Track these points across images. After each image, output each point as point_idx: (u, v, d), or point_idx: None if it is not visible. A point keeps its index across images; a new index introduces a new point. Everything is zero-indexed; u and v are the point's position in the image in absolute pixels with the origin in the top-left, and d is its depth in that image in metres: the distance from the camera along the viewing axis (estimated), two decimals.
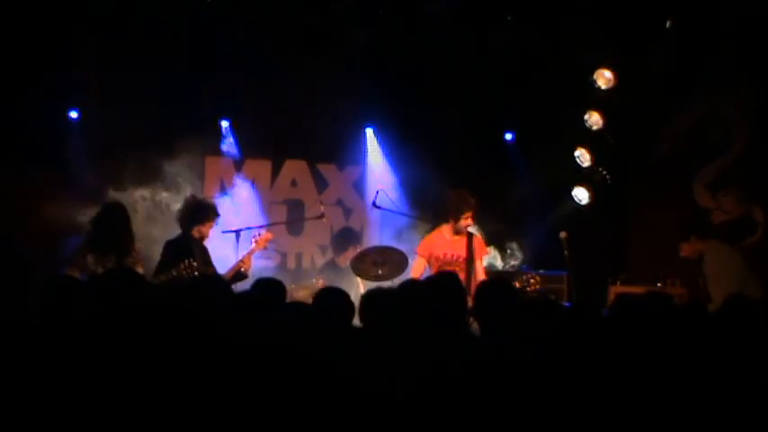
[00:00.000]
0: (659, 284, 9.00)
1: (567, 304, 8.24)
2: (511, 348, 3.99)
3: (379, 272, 8.46)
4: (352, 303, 4.45)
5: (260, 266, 8.43)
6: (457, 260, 7.71)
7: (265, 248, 8.30)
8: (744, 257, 8.12)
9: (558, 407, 3.65)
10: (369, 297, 4.48)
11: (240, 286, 7.50)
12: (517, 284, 7.59)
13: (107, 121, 9.34)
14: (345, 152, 10.60)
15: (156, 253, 7.82)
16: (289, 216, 10.48)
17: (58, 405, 3.59)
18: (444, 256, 7.75)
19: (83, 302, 4.37)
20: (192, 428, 3.58)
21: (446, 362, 3.80)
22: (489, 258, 8.90)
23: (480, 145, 10.48)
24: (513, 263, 9.78)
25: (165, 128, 9.33)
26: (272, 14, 9.10)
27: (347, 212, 10.70)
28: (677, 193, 9.87)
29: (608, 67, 9.38)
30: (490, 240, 8.87)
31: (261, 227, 8.99)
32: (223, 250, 8.36)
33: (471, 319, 4.69)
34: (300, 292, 8.41)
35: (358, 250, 9.24)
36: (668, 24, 8.94)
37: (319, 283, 8.60)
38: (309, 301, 5.64)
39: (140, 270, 7.05)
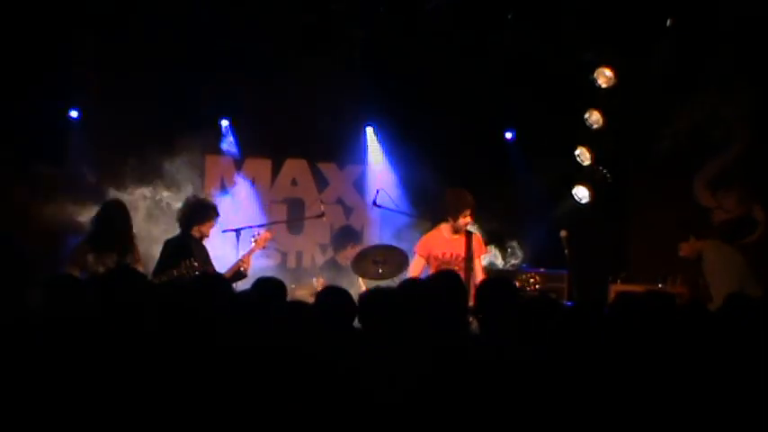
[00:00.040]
0: (660, 283, 9.00)
1: (567, 303, 8.27)
2: (511, 348, 3.99)
3: (380, 271, 8.46)
4: (354, 303, 4.45)
5: (260, 265, 8.43)
6: (456, 259, 7.70)
7: (264, 248, 8.30)
8: (744, 256, 8.12)
9: (560, 406, 3.65)
10: (368, 297, 4.48)
11: (240, 286, 7.50)
12: (517, 284, 7.59)
13: (107, 121, 9.37)
14: (346, 151, 10.60)
15: (157, 252, 7.82)
16: (289, 215, 10.48)
17: (58, 404, 3.59)
18: (443, 256, 7.74)
19: (83, 301, 4.38)
20: (192, 428, 3.58)
21: (446, 362, 3.80)
22: (490, 257, 8.89)
23: (480, 144, 10.47)
24: (513, 262, 9.78)
25: (166, 127, 9.33)
26: (272, 14, 9.10)
27: (347, 211, 10.70)
28: (677, 191, 9.87)
29: (608, 66, 9.38)
30: (490, 239, 8.86)
31: (261, 226, 9.00)
32: (223, 249, 8.36)
33: (471, 318, 4.70)
34: (300, 291, 8.41)
35: (357, 248, 9.26)
36: (668, 23, 8.94)
37: (319, 282, 8.59)
38: (309, 299, 5.65)
39: (140, 269, 7.05)
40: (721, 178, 9.69)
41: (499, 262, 9.39)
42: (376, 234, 10.43)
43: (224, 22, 9.10)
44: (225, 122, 9.99)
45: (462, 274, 7.31)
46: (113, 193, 8.60)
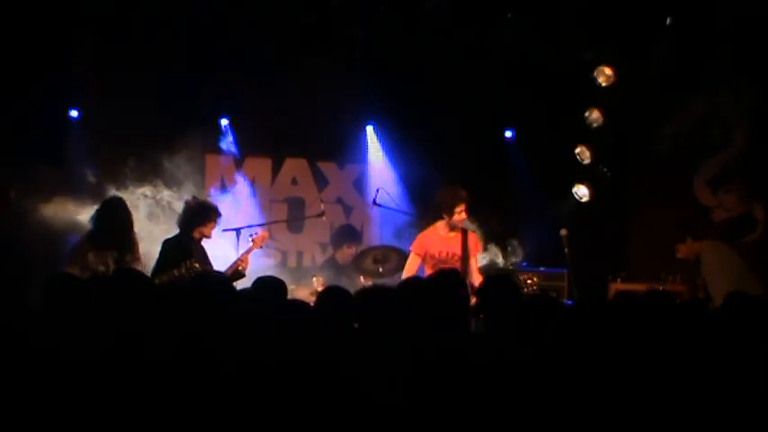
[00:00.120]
0: (660, 282, 8.99)
1: (567, 302, 8.28)
2: (511, 348, 4.00)
3: (380, 270, 8.48)
4: (354, 303, 4.44)
5: (261, 265, 8.43)
6: (452, 258, 7.71)
7: (261, 248, 8.30)
8: (742, 256, 8.12)
9: (560, 406, 3.65)
10: (366, 295, 4.46)
11: (239, 285, 7.49)
12: None
13: (107, 121, 9.39)
14: (346, 150, 10.59)
15: (158, 251, 7.82)
16: (289, 214, 10.49)
17: (59, 404, 3.60)
18: (440, 254, 7.74)
19: (84, 301, 4.39)
20: (193, 427, 3.58)
21: (446, 362, 3.80)
22: (491, 256, 8.90)
23: (480, 142, 10.47)
24: (514, 260, 9.77)
25: (166, 127, 9.34)
26: (272, 14, 9.10)
27: (347, 210, 10.70)
28: (677, 190, 9.87)
29: (608, 65, 9.38)
30: (491, 238, 8.86)
31: (261, 225, 9.02)
32: (223, 249, 8.36)
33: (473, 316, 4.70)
34: (301, 291, 8.41)
35: (353, 247, 9.30)
36: (668, 22, 8.94)
37: (319, 281, 8.60)
38: (310, 299, 5.65)
39: (139, 267, 7.06)
40: (722, 177, 9.69)
41: (500, 261, 9.39)
42: (376, 233, 10.44)
43: (224, 22, 9.10)
44: (225, 121, 9.99)
45: None
46: (114, 193, 8.60)
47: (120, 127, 9.32)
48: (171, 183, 9.01)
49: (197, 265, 7.34)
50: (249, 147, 10.23)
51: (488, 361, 3.84)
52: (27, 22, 8.63)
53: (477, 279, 7.34)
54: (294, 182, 10.61)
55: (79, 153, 9.31)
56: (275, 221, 10.14)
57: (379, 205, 9.10)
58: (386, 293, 4.41)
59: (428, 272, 7.67)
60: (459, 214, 7.67)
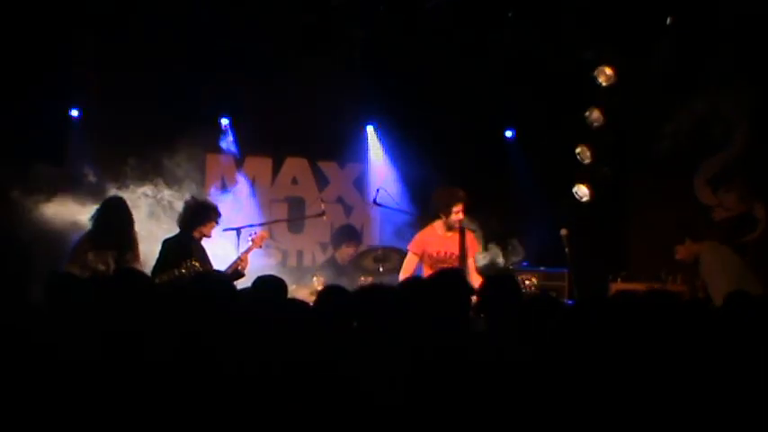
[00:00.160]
0: (660, 282, 8.99)
1: (568, 302, 8.28)
2: (511, 348, 4.00)
3: (381, 269, 8.49)
4: (354, 302, 4.44)
5: (261, 264, 8.43)
6: (450, 257, 7.72)
7: (261, 247, 8.31)
8: (741, 256, 8.12)
9: (561, 405, 3.65)
10: (365, 294, 4.46)
11: (239, 285, 7.49)
12: None
13: (108, 120, 9.40)
14: (346, 150, 10.60)
15: (158, 250, 7.82)
16: (289, 214, 10.49)
17: (59, 403, 3.60)
18: (438, 254, 7.76)
19: (84, 300, 4.39)
20: (193, 427, 3.58)
21: (446, 362, 3.80)
22: (491, 256, 8.90)
23: (481, 142, 10.48)
24: (514, 260, 9.78)
25: (166, 126, 9.35)
26: (272, 14, 9.10)
27: (348, 210, 10.70)
28: (678, 190, 9.86)
29: (609, 65, 9.37)
30: (491, 238, 8.87)
31: (261, 224, 9.02)
32: (223, 248, 8.36)
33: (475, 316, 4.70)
34: (301, 291, 8.42)
35: (352, 247, 9.31)
36: (669, 22, 8.94)
37: (319, 281, 8.61)
38: (310, 299, 5.65)
39: (138, 267, 7.07)
40: (722, 176, 9.67)
41: (500, 260, 9.39)
42: (376, 232, 10.45)
43: (224, 22, 9.11)
44: (225, 121, 10.00)
45: None
46: (114, 192, 8.61)
47: (121, 126, 9.33)
48: (171, 182, 9.01)
49: (197, 264, 7.35)
50: (249, 146, 10.24)
51: (488, 361, 3.84)
52: (27, 22, 8.63)
53: (475, 279, 7.33)
54: (294, 181, 10.61)
55: (80, 152, 9.32)
56: (275, 221, 10.15)
57: (380, 205, 9.11)
58: (385, 292, 4.41)
59: (426, 271, 7.69)
60: (457, 214, 7.67)
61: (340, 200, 10.69)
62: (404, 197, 9.89)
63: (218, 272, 7.51)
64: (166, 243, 7.74)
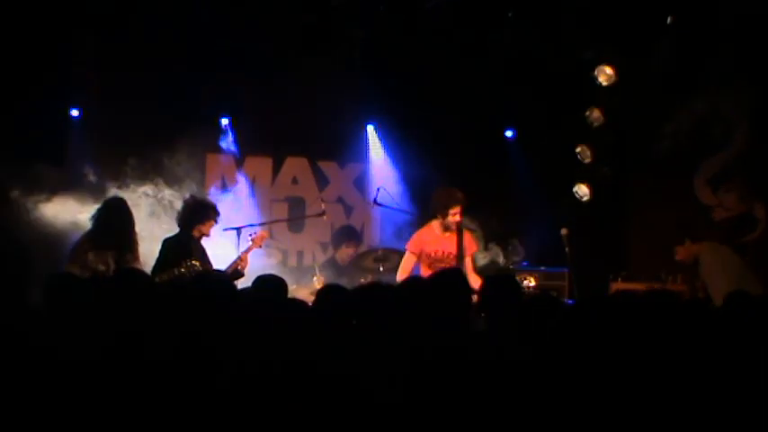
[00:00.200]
0: (660, 282, 8.99)
1: (568, 301, 8.28)
2: (511, 347, 3.99)
3: (381, 269, 8.49)
4: (353, 301, 4.44)
5: (261, 264, 8.44)
6: (448, 257, 7.72)
7: (261, 247, 8.31)
8: (741, 257, 8.11)
9: (561, 405, 3.65)
10: (364, 293, 4.45)
11: (239, 285, 7.49)
12: None
13: (108, 120, 9.40)
14: (346, 149, 10.59)
15: (158, 250, 7.83)
16: (290, 213, 10.49)
17: (59, 404, 3.60)
18: (435, 253, 7.76)
19: (84, 300, 4.39)
20: (194, 427, 3.58)
21: (446, 362, 3.80)
22: (492, 256, 8.91)
23: (481, 142, 10.48)
24: (515, 259, 9.78)
25: (166, 126, 9.35)
26: (272, 14, 9.10)
27: (348, 210, 10.70)
28: (678, 190, 9.86)
29: (609, 64, 9.37)
30: (491, 238, 8.87)
31: (261, 224, 9.02)
32: (224, 248, 8.36)
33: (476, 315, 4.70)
34: (301, 291, 8.42)
35: (352, 247, 9.31)
36: (669, 20, 8.93)
37: (320, 281, 8.61)
38: (310, 299, 5.65)
39: (139, 267, 7.06)
40: (722, 176, 9.67)
41: (501, 260, 9.39)
42: (377, 232, 10.45)
43: (224, 22, 9.10)
44: (225, 121, 10.00)
45: None
46: (114, 192, 8.61)
47: (121, 126, 9.33)
48: (172, 182, 9.01)
49: (197, 263, 7.35)
50: (249, 146, 10.24)
51: (488, 360, 3.83)
52: (27, 22, 8.63)
53: (473, 278, 7.31)
54: (295, 181, 10.61)
55: (80, 152, 9.32)
56: (276, 221, 10.15)
57: (380, 204, 9.11)
58: (385, 290, 4.41)
59: (423, 270, 7.69)
60: (454, 216, 7.66)
61: (340, 200, 10.69)
62: (404, 197, 9.90)
63: (217, 271, 7.51)
64: (166, 242, 7.74)
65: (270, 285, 4.66)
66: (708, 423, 3.74)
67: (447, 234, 7.76)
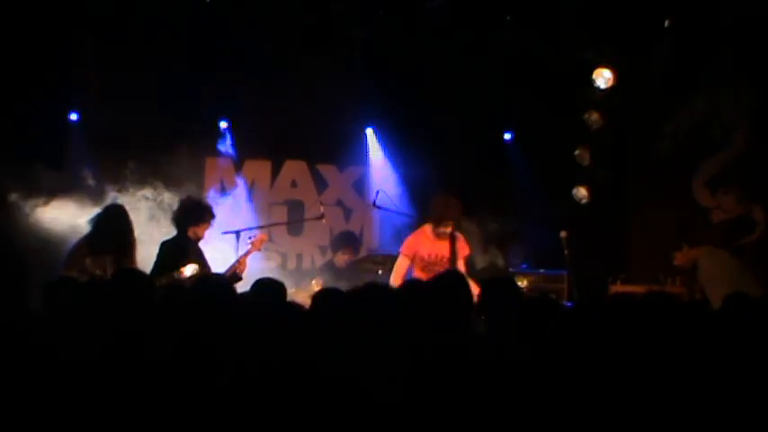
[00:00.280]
0: (659, 284, 8.98)
1: (567, 304, 8.28)
2: (511, 348, 3.99)
3: (379, 272, 8.50)
4: (350, 303, 4.43)
5: (260, 267, 8.43)
6: (441, 260, 7.73)
7: (260, 250, 8.30)
8: (739, 260, 8.11)
9: (560, 407, 3.65)
10: (361, 294, 4.45)
11: (238, 288, 7.48)
12: None
13: (107, 122, 9.38)
14: (345, 152, 10.60)
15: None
16: (289, 217, 10.48)
17: (59, 404, 3.59)
18: (428, 257, 7.77)
19: (83, 304, 4.38)
20: (193, 428, 3.58)
21: (446, 362, 3.80)
22: (491, 257, 8.91)
23: (480, 144, 10.48)
24: (514, 261, 9.79)
25: (166, 128, 9.36)
26: (272, 14, 9.10)
27: (347, 213, 10.70)
28: (677, 192, 9.86)
29: (608, 67, 9.37)
30: (490, 240, 8.87)
31: (260, 228, 9.01)
32: (222, 251, 8.35)
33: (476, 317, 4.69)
34: (300, 294, 8.41)
35: (348, 253, 9.31)
36: (668, 23, 8.94)
37: (318, 284, 8.60)
38: (308, 302, 5.64)
39: None
40: (721, 178, 9.67)
41: (500, 262, 9.40)
42: (376, 235, 10.45)
43: (224, 22, 9.11)
44: (224, 124, 10.00)
45: None
46: (113, 195, 8.61)
47: (120, 128, 9.32)
48: (171, 185, 8.99)
49: (196, 266, 7.35)
50: (248, 149, 10.24)
51: (488, 361, 3.83)
52: (27, 22, 8.62)
53: None
54: (294, 184, 10.61)
55: (79, 154, 9.31)
56: (275, 224, 10.14)
57: (380, 207, 9.10)
58: (381, 291, 4.41)
59: (416, 273, 7.71)
60: (446, 228, 7.69)
61: (339, 203, 10.69)
62: (404, 199, 9.90)
63: (216, 275, 7.50)
64: (164, 245, 7.71)
65: (269, 289, 4.66)
66: (707, 425, 3.73)
67: (439, 239, 7.77)
